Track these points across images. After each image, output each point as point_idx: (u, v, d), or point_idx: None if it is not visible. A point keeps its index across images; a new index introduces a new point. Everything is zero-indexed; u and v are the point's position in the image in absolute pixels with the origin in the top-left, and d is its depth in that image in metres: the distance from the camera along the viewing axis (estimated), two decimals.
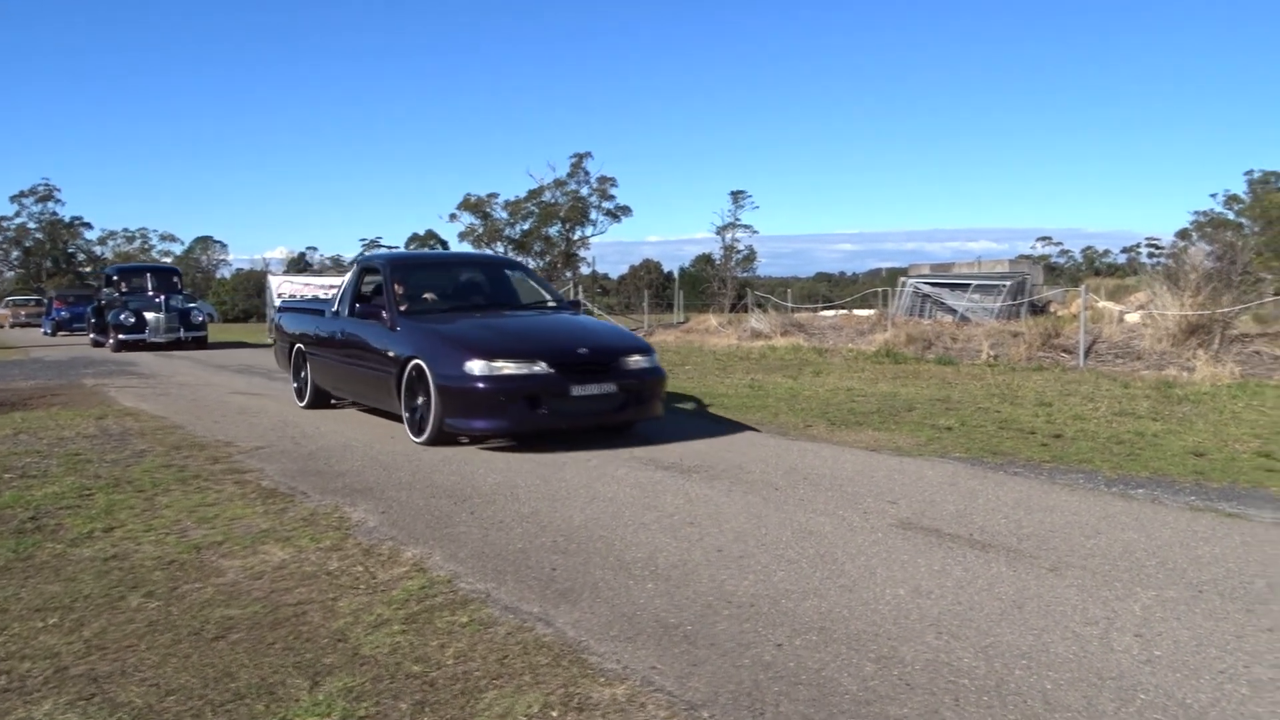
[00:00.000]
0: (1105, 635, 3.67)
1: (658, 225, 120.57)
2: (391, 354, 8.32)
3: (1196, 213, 43.00)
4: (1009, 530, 5.19)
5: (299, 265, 64.03)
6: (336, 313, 9.84)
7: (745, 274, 65.26)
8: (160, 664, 3.47)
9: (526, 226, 49.66)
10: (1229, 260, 19.40)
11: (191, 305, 24.95)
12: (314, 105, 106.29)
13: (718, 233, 65.51)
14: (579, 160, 48.98)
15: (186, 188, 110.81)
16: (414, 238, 69.66)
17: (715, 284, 62.41)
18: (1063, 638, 3.65)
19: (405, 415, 8.10)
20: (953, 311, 24.00)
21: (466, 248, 55.42)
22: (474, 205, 48.94)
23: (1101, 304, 20.63)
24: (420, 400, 7.91)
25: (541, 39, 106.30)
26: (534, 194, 48.97)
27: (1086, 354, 14.80)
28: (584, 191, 49.76)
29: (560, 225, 49.96)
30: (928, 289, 25.96)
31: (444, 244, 67.95)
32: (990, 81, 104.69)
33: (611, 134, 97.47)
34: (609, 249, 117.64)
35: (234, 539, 5.07)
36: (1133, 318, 17.69)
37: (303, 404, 10.54)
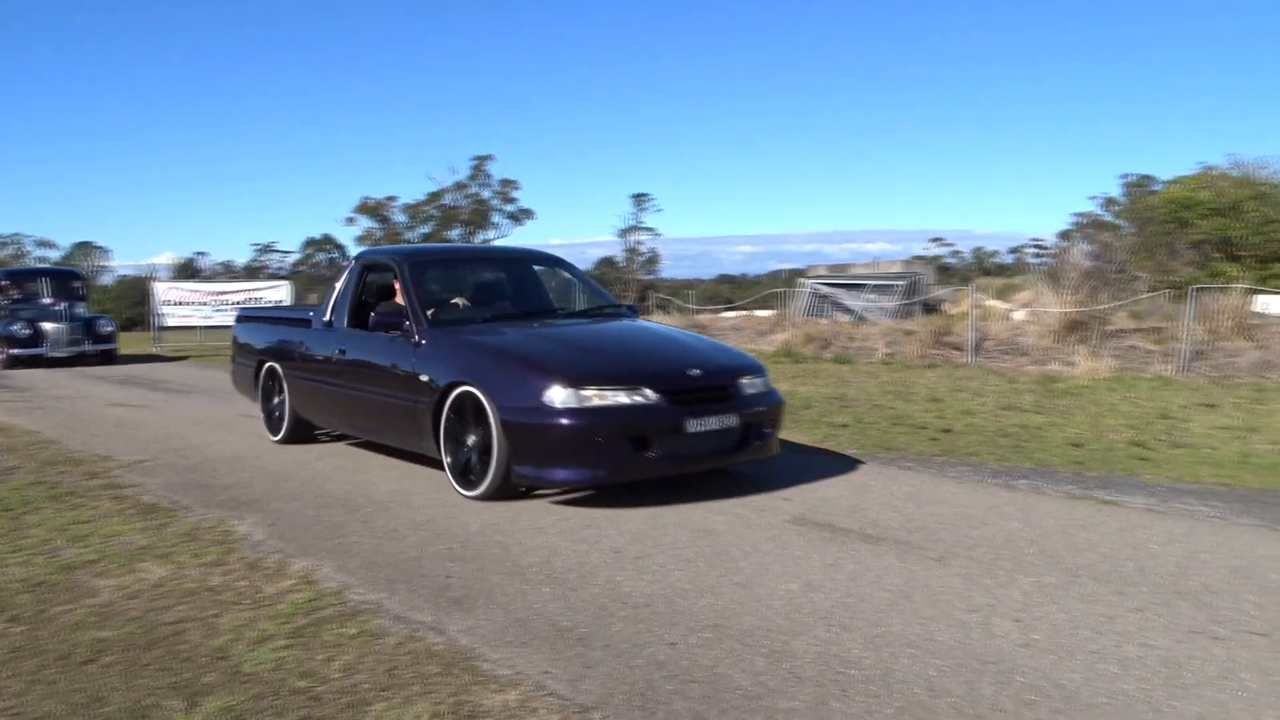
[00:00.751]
0: (987, 622, 3.78)
1: (561, 228, 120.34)
2: (424, 378, 6.38)
3: (1077, 214, 44.77)
4: (899, 523, 5.30)
5: (188, 271, 62.01)
6: (329, 323, 7.73)
7: (649, 276, 65.49)
8: (24, 692, 3.30)
9: (427, 230, 48.99)
10: (1106, 259, 20.25)
11: (98, 314, 21.75)
12: (202, 104, 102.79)
13: (621, 235, 65.69)
14: (480, 163, 48.59)
15: (64, 190, 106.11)
16: (310, 241, 68.13)
17: (619, 286, 62.58)
18: (947, 626, 3.74)
19: (447, 460, 6.21)
20: (850, 311, 24.52)
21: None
22: (372, 208, 48.09)
23: (990, 303, 21.32)
24: (472, 440, 6.01)
25: (441, 38, 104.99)
26: (434, 197, 48.36)
27: (976, 351, 15.26)
28: (486, 194, 49.38)
29: (462, 229, 49.47)
30: (825, 290, 26.48)
31: (341, 248, 66.57)
32: (885, 87, 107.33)
33: (513, 136, 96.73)
34: None
35: (109, 557, 4.86)
36: (1019, 315, 18.32)
37: (277, 437, 8.35)
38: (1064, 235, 41.90)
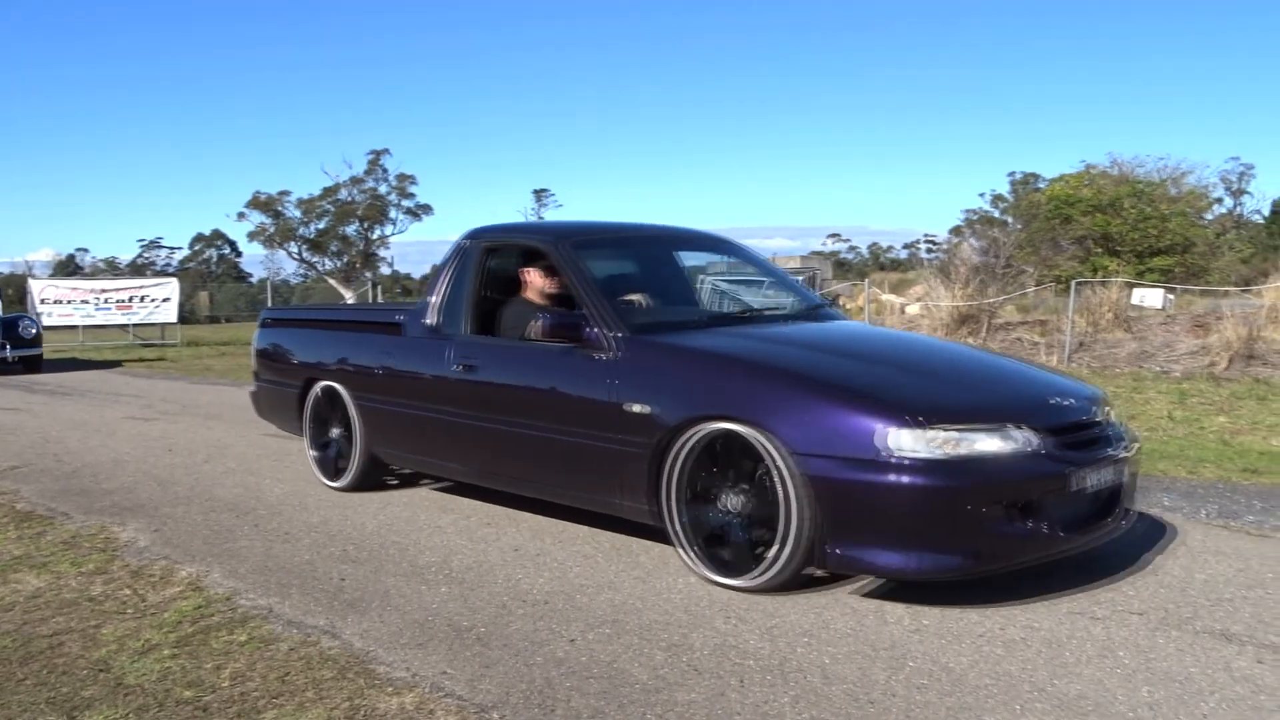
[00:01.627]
0: (879, 609, 3.87)
1: (461, 224, 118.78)
2: (634, 408, 4.39)
3: (967, 211, 46.18)
4: None
5: (68, 268, 59.37)
6: (437, 328, 5.54)
7: None
8: None
9: (322, 225, 47.83)
10: (994, 255, 20.93)
11: (18, 315, 18.87)
12: (82, 94, 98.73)
13: None
14: (376, 157, 47.56)
15: None
16: (199, 237, 65.99)
17: None
18: (842, 614, 3.82)
19: (681, 529, 4.29)
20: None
21: (257, 248, 52.99)
22: (264, 203, 46.63)
23: (885, 297, 21.87)
24: (732, 501, 4.17)
25: (334, 27, 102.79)
26: (329, 191, 47.18)
27: None
28: (383, 189, 48.43)
29: (358, 224, 48.47)
30: (725, 285, 26.77)
31: (232, 244, 64.63)
32: (785, 86, 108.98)
33: (410, 131, 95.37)
34: (410, 248, 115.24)
35: None
36: (913, 309, 18.84)
37: (339, 483, 6.18)
38: (955, 231, 43.15)
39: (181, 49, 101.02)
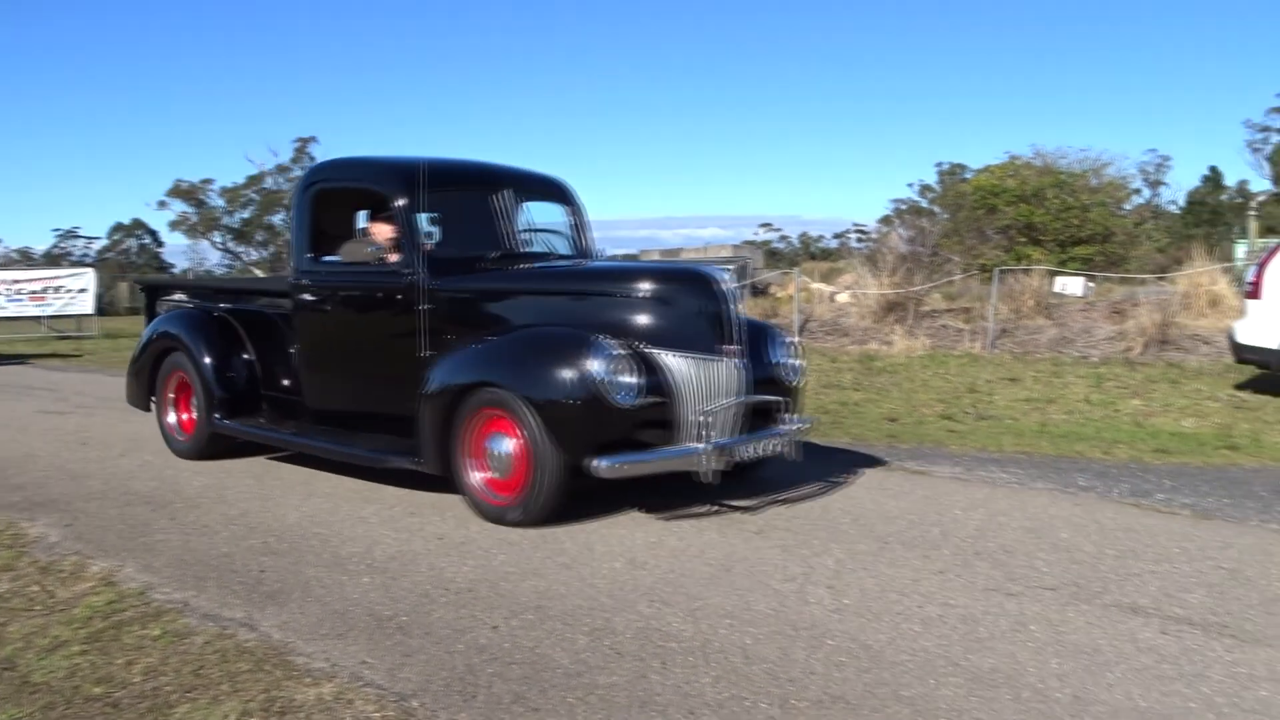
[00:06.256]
0: (801, 590, 3.92)
1: None
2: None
3: (895, 200, 46.85)
4: (723, 499, 5.42)
5: None
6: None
7: None
8: None
9: (247, 215, 46.82)
10: (921, 244, 21.27)
11: None
12: None
13: None
14: (303, 145, 46.66)
15: None
16: (118, 227, 64.19)
17: None
18: (764, 596, 3.86)
19: None
20: None
21: (179, 238, 51.55)
22: (186, 192, 45.47)
23: (815, 285, 22.08)
24: None
25: (256, 11, 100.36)
26: (254, 180, 46.19)
27: (801, 332, 15.78)
28: None
29: (284, 213, 47.58)
30: None
31: (154, 234, 62.98)
32: (717, 76, 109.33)
33: (337, 118, 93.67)
34: None
35: None
36: (842, 298, 19.05)
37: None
38: (884, 221, 43.80)
39: (97, 31, 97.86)
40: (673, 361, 4.87)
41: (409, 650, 3.39)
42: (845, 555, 4.36)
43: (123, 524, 5.14)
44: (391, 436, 5.56)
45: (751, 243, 50.45)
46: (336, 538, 4.78)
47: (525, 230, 6.18)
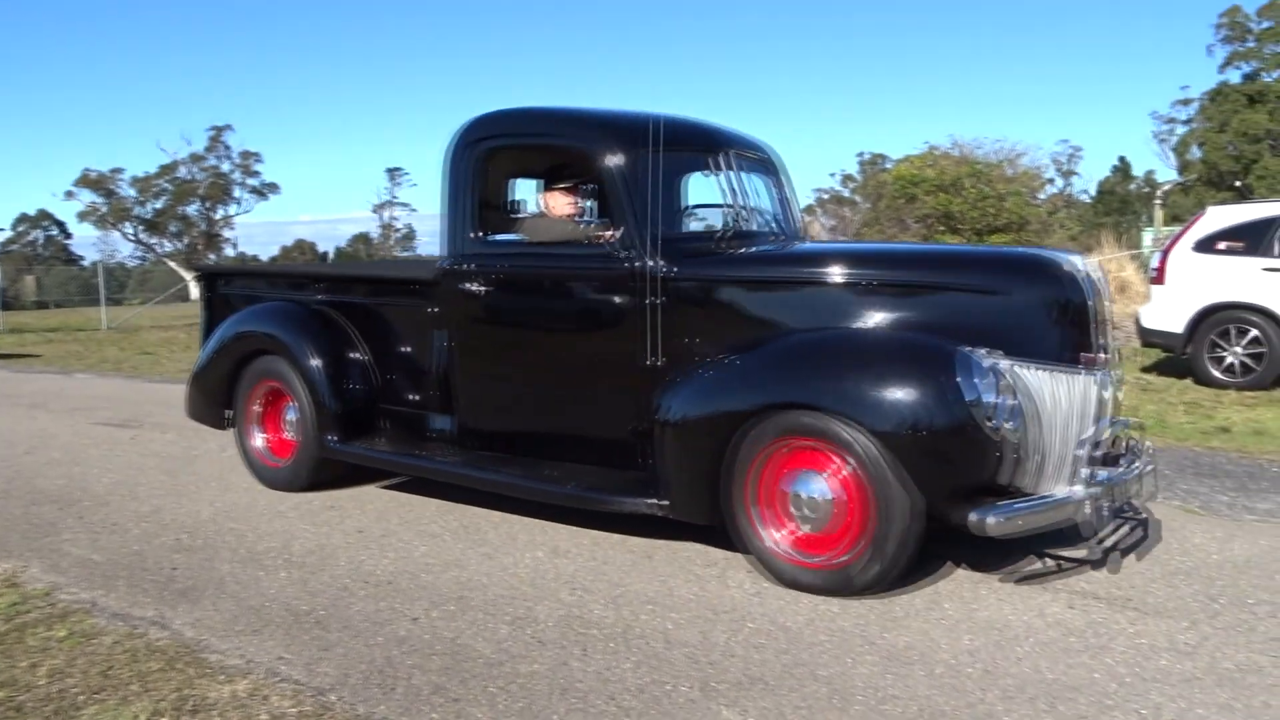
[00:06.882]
0: (722, 575, 3.96)
1: (311, 204, 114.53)
2: None
3: (818, 190, 47.41)
4: None
5: None
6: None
7: (406, 253, 64.09)
8: None
9: (160, 205, 45.49)
10: (842, 231, 21.60)
11: None
12: None
13: (375, 211, 63.86)
14: (218, 133, 45.44)
15: None
16: (23, 218, 61.93)
17: None
18: (685, 581, 3.89)
19: None
20: None
21: (89, 229, 49.92)
22: (95, 182, 43.92)
23: None
24: None
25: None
26: (167, 169, 44.84)
27: None
28: (225, 167, 46.39)
29: (200, 204, 46.32)
30: None
31: (61, 225, 60.94)
32: (643, 65, 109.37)
33: (253, 107, 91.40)
34: (258, 229, 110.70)
35: None
36: None
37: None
38: (807, 210, 44.29)
39: None
40: (1033, 376, 3.75)
41: (327, 644, 3.34)
42: None
43: (27, 524, 4.97)
44: (593, 467, 4.46)
45: None
46: (253, 533, 4.69)
47: (755, 205, 4.91)
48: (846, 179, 47.93)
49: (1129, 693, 2.91)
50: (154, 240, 46.49)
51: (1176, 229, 11.29)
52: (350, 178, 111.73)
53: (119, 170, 44.51)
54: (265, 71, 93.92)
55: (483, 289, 4.72)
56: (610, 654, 3.21)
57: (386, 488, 5.46)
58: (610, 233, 4.39)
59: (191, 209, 45.86)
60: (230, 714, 2.88)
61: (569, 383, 4.56)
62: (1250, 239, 8.81)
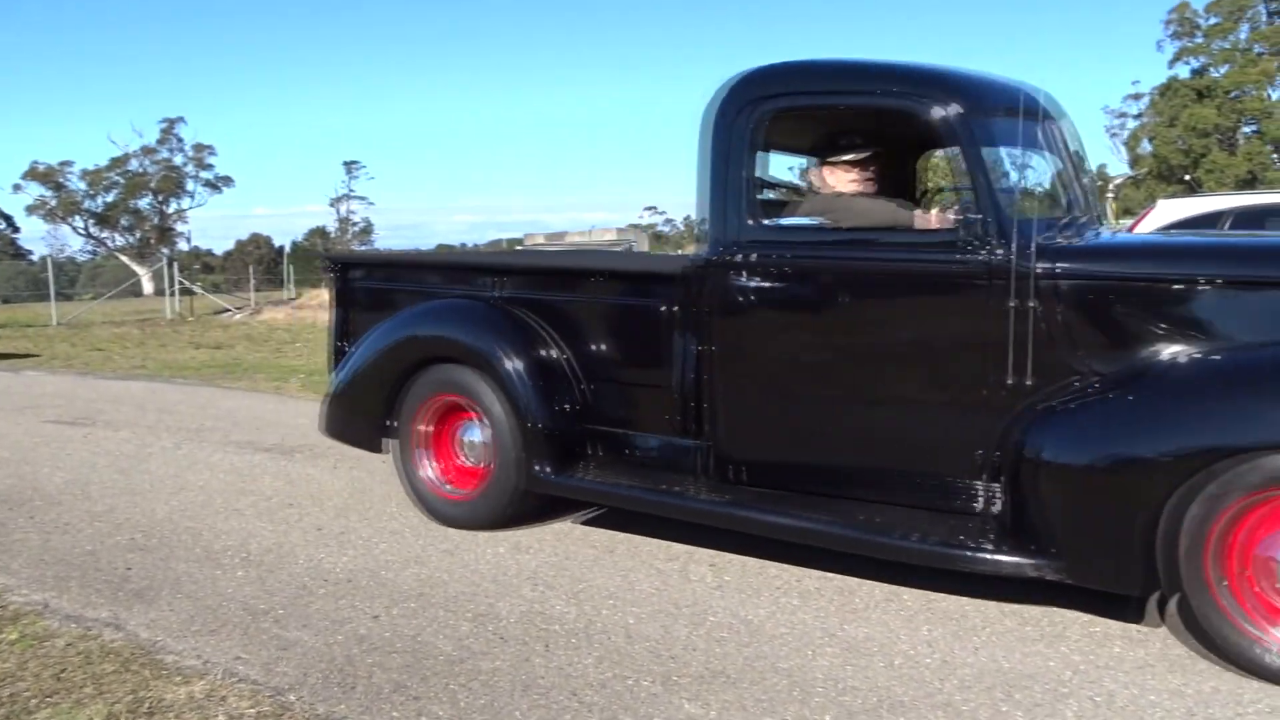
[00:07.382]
0: (684, 569, 3.97)
1: (266, 197, 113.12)
2: None
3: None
4: None
5: None
6: None
7: (363, 246, 63.61)
8: None
9: (111, 199, 44.76)
10: None
11: None
12: None
13: (332, 204, 63.30)
14: (170, 126, 44.81)
15: None
16: None
17: None
18: (647, 575, 3.90)
19: None
20: None
21: (37, 224, 48.86)
22: (44, 175, 43.20)
23: None
24: None
25: None
26: (118, 162, 44.14)
27: None
28: (178, 160, 45.71)
29: (152, 197, 45.59)
30: None
31: (9, 219, 59.67)
32: (591, 65, 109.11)
33: (207, 99, 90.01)
34: (213, 222, 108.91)
35: None
36: None
37: None
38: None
39: None
40: None
41: (285, 644, 3.31)
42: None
43: None
44: (902, 509, 3.62)
45: (637, 225, 50.66)
46: (209, 532, 4.63)
47: (1084, 182, 4.06)
48: (803, 174, 48.20)
49: (1083, 680, 2.96)
50: (105, 234, 45.73)
51: (1128, 222, 11.47)
52: (306, 170, 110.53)
53: (68, 163, 43.80)
54: (218, 62, 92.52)
55: (767, 285, 3.80)
56: (572, 649, 3.22)
57: (342, 488, 5.42)
58: (954, 216, 3.64)
59: (143, 202, 45.14)
60: (187, 715, 2.84)
61: (884, 403, 3.68)
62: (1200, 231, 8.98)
